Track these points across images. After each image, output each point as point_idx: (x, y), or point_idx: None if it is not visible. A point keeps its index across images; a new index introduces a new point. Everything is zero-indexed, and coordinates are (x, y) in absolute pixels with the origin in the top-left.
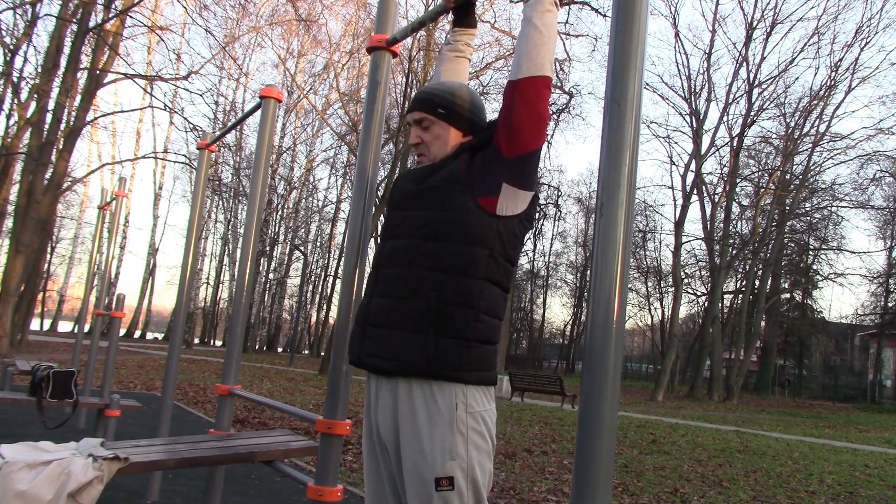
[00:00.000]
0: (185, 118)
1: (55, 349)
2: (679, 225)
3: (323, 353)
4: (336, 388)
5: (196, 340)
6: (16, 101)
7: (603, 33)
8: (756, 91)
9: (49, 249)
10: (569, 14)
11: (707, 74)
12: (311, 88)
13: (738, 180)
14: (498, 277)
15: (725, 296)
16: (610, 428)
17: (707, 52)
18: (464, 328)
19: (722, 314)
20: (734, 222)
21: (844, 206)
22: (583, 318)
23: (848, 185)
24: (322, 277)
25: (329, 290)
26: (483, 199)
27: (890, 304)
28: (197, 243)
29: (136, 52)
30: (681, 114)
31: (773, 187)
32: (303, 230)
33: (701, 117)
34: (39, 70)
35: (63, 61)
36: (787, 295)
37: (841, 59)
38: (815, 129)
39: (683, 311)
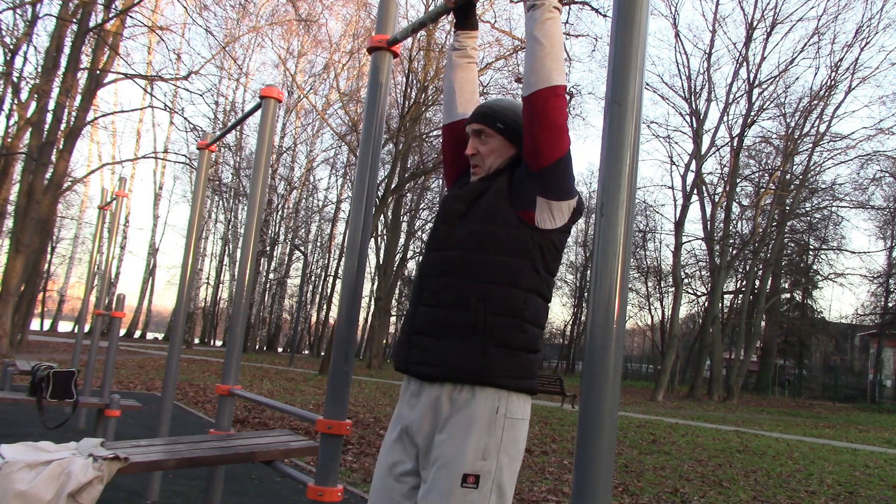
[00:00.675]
0: (185, 118)
1: (55, 349)
2: (679, 225)
3: (323, 353)
4: (336, 388)
5: (196, 340)
6: (16, 101)
7: (603, 33)
8: (756, 91)
9: (49, 249)
10: (569, 14)
11: (707, 74)
12: (311, 88)
13: (738, 180)
14: (540, 288)
15: (725, 296)
16: (610, 428)
17: (707, 52)
18: (509, 337)
19: (722, 314)
20: (734, 222)
21: (844, 206)
22: (583, 318)
23: (848, 185)
24: (322, 277)
25: (329, 290)
26: (523, 212)
27: (890, 304)
28: (197, 243)
29: (136, 52)
30: (681, 114)
31: (773, 187)
32: (303, 230)
33: (701, 117)
34: (39, 70)
35: (63, 61)
36: (787, 295)
37: (841, 59)
38: (815, 129)
39: (683, 311)
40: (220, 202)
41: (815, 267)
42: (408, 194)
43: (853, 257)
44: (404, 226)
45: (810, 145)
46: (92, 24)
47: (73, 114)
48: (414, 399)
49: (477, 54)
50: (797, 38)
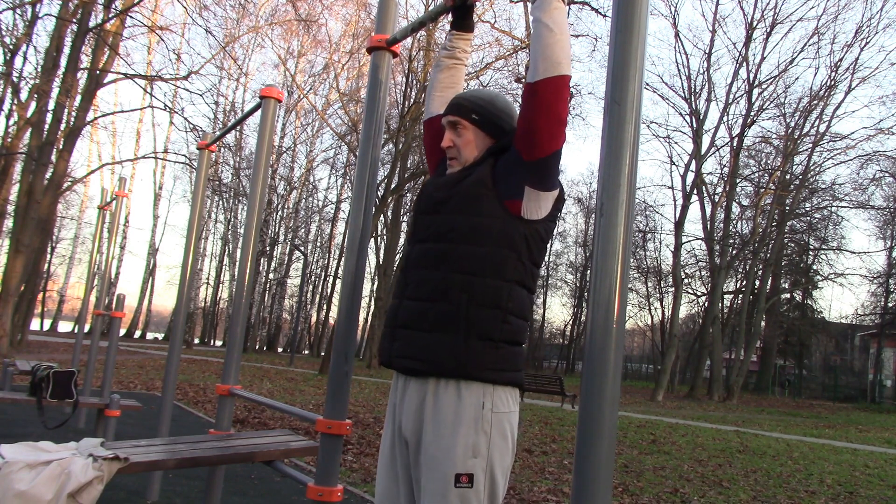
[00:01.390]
0: (185, 118)
1: (55, 349)
2: (679, 225)
3: (323, 353)
4: (336, 388)
5: (196, 340)
6: (16, 101)
7: (603, 33)
8: (756, 91)
9: (49, 249)
10: (569, 14)
11: (707, 74)
12: (311, 88)
13: (738, 180)
14: (525, 280)
15: (725, 296)
16: (610, 428)
17: (707, 52)
18: (492, 329)
19: (722, 314)
20: (734, 222)
21: (844, 206)
22: (583, 318)
23: (848, 185)
24: (322, 277)
25: (329, 290)
26: (509, 201)
27: (890, 304)
28: (197, 243)
29: (136, 52)
30: (681, 114)
31: (773, 187)
32: (303, 230)
33: (701, 117)
34: (39, 70)
35: (63, 61)
36: (787, 295)
37: (841, 59)
38: (815, 129)
39: (683, 311)
40: (220, 202)
41: (815, 267)
42: (408, 194)
43: (853, 257)
44: (404, 226)
45: (810, 145)
46: (92, 24)
47: (73, 114)
48: (402, 396)
49: (467, 58)
50: (797, 38)
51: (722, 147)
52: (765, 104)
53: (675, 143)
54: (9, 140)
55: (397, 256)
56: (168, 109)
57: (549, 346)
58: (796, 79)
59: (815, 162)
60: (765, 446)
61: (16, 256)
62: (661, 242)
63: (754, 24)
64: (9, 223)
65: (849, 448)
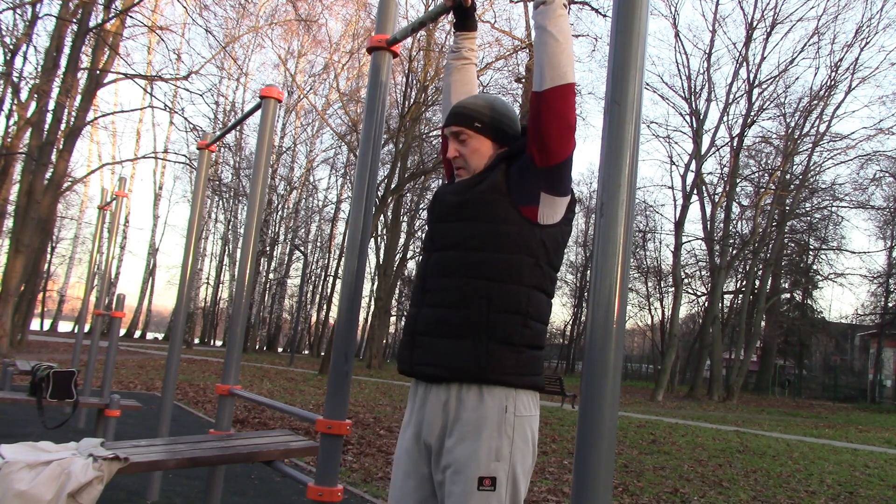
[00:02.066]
0: (185, 118)
1: (55, 349)
2: (679, 225)
3: (323, 353)
4: (336, 388)
5: (196, 340)
6: (16, 101)
7: (603, 33)
8: (756, 91)
9: (49, 249)
10: (568, 14)
11: (707, 74)
12: (311, 88)
13: (738, 180)
14: (543, 284)
15: (725, 296)
16: (610, 428)
17: (707, 52)
18: (513, 334)
19: (722, 314)
20: (734, 222)
21: (844, 206)
22: (583, 318)
23: (848, 185)
24: (322, 277)
25: (329, 290)
26: (524, 208)
27: (890, 304)
28: (197, 243)
29: (136, 52)
30: (681, 114)
31: (773, 187)
32: (303, 230)
33: (701, 117)
34: (39, 70)
35: (63, 61)
36: (787, 295)
37: (841, 59)
38: (815, 129)
39: (683, 311)
40: (220, 202)
41: (815, 267)
42: (408, 194)
43: (853, 257)
44: (404, 226)
45: (810, 145)
46: (92, 24)
47: (73, 114)
48: (422, 402)
49: (475, 55)
50: (797, 38)
51: (722, 147)
52: (765, 104)
53: (675, 143)
54: (9, 140)
55: (397, 256)
56: (168, 109)
57: (550, 346)
58: (796, 79)
59: (815, 162)
60: (765, 446)
61: (16, 256)
62: (661, 242)
63: (754, 24)
64: (9, 223)
65: (849, 448)
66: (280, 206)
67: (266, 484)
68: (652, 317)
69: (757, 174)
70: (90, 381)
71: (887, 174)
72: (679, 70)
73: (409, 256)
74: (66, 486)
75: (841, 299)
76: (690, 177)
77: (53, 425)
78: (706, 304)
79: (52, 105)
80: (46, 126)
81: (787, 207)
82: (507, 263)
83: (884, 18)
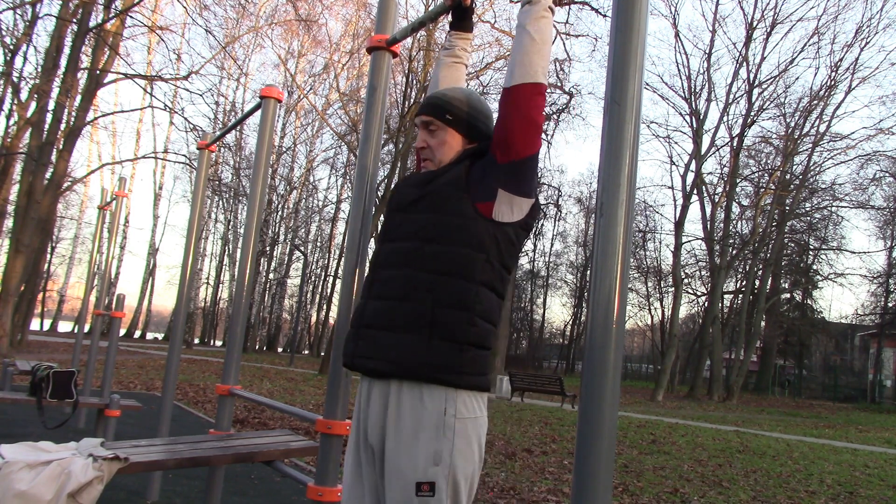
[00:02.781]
0: (185, 118)
1: (55, 349)
2: (679, 225)
3: (323, 353)
4: (336, 388)
5: (196, 340)
6: (16, 101)
7: (603, 33)
8: (756, 91)
9: (49, 249)
10: (569, 14)
11: (707, 74)
12: (311, 88)
13: (738, 180)
14: (493, 282)
15: (725, 296)
16: (610, 428)
17: (707, 52)
18: (457, 331)
19: (722, 314)
20: (734, 222)
21: (844, 206)
22: (583, 318)
23: (848, 185)
24: (322, 277)
25: (329, 290)
26: (481, 203)
27: (890, 304)
28: (197, 243)
29: (136, 52)
30: (681, 114)
31: (773, 187)
32: (303, 230)
33: (701, 117)
34: (39, 70)
35: (63, 61)
36: (787, 295)
37: (841, 59)
38: (815, 129)
39: (683, 311)
40: (220, 202)
41: (815, 267)
42: None
43: (853, 257)
44: None
45: (810, 145)
46: (92, 24)
47: (73, 114)
48: (367, 401)
49: (467, 57)
50: (797, 38)
51: (722, 147)
52: (765, 104)
53: (675, 143)
54: (9, 140)
55: None
56: (168, 109)
57: (549, 346)
58: (796, 79)
59: (815, 162)
60: (765, 446)
61: (16, 256)
62: (661, 242)
63: (754, 24)
64: (9, 223)
65: (849, 448)
66: (280, 206)
67: (266, 484)
68: (652, 317)
69: (757, 174)
70: (90, 381)
71: (887, 174)
72: (679, 70)
73: None
74: (66, 486)
75: (841, 299)
76: (690, 177)
77: (53, 425)
78: (706, 304)
79: (52, 105)
80: (46, 126)
81: (787, 207)
82: (455, 257)
83: (884, 18)
